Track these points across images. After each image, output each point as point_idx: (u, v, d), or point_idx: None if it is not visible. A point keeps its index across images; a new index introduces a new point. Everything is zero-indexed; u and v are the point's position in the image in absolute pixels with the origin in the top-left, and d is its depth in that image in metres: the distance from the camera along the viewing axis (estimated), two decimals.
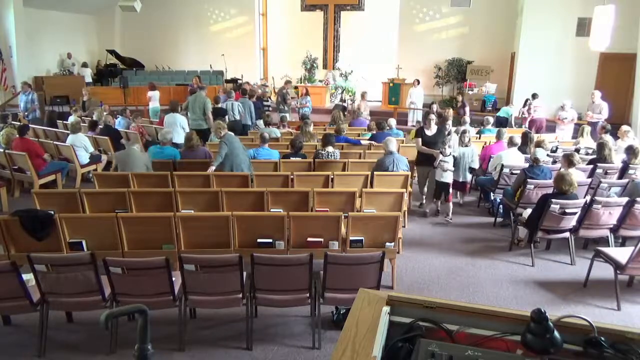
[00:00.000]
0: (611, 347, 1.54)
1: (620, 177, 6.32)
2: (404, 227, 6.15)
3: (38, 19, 14.89)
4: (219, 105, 10.05)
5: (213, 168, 6.25)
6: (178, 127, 8.85)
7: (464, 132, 7.28)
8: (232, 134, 6.80)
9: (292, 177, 6.11)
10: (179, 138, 8.49)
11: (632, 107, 12.09)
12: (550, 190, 5.40)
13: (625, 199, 5.20)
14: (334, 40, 17.81)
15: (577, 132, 9.10)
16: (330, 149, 6.79)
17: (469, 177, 7.26)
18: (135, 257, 4.02)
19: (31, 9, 14.26)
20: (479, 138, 9.03)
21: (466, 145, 7.18)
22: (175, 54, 18.51)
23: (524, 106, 11.60)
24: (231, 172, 6.24)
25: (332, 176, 6.14)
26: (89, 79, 16.54)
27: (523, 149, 7.17)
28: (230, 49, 17.36)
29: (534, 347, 1.51)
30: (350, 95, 15.86)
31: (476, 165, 7.26)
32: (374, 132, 8.76)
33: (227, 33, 18.29)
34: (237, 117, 10.05)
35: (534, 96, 11.55)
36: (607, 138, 7.35)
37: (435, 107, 10.82)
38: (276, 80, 17.16)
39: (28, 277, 3.68)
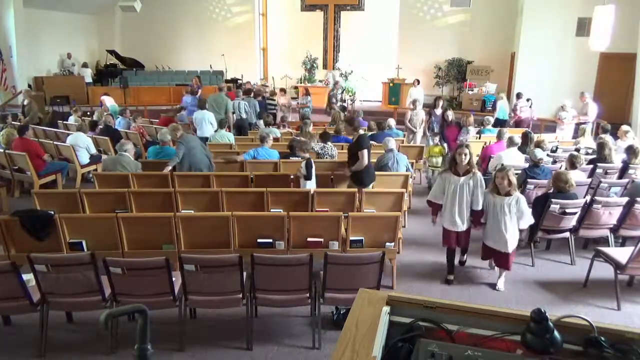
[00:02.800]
0: (611, 347, 1.54)
1: (620, 177, 6.32)
2: (404, 227, 6.14)
3: (38, 19, 14.88)
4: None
5: (169, 168, 6.21)
6: (206, 123, 9.36)
7: (502, 169, 4.50)
8: (191, 134, 6.90)
9: (292, 177, 6.11)
10: (208, 133, 9.15)
11: (632, 107, 12.07)
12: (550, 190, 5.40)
13: (625, 199, 5.21)
14: (334, 40, 17.80)
15: (577, 132, 9.12)
16: (328, 144, 7.01)
17: (512, 242, 4.52)
18: (135, 257, 4.02)
19: (31, 9, 14.25)
20: (479, 138, 9.02)
21: (507, 194, 4.45)
22: (175, 54, 18.50)
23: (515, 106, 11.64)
24: (189, 172, 6.26)
25: (332, 176, 6.14)
26: (89, 79, 16.53)
27: (523, 149, 7.16)
28: (230, 49, 17.34)
29: (534, 347, 1.51)
30: (350, 95, 15.86)
31: (524, 224, 4.57)
32: (374, 132, 8.77)
33: (227, 33, 18.28)
34: (244, 116, 10.42)
35: (518, 96, 11.72)
36: (607, 138, 7.35)
37: (450, 113, 8.71)
38: (276, 80, 17.17)
39: (28, 277, 3.68)
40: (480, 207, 4.61)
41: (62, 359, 3.68)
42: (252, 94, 11.21)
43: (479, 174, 4.63)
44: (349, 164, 5.75)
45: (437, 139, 8.30)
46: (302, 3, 17.72)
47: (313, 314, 3.98)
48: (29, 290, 3.61)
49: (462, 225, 4.68)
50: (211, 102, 9.77)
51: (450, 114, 8.38)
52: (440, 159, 8.10)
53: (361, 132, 5.84)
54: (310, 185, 5.65)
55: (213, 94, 10.45)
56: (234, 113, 10.19)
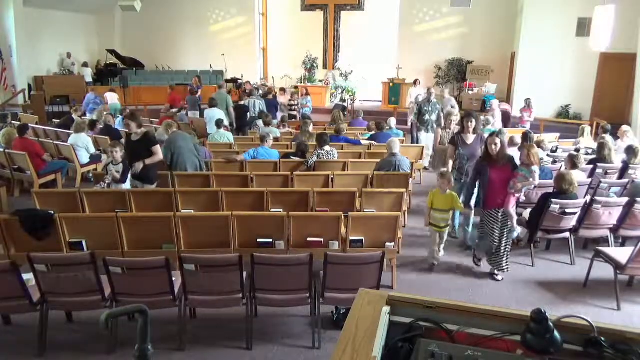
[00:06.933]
0: (611, 347, 1.54)
1: (620, 177, 6.31)
2: (404, 227, 6.14)
3: (38, 19, 14.87)
4: (242, 103, 10.65)
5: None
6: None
7: None
8: (182, 133, 6.79)
9: (292, 177, 6.11)
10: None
11: (632, 107, 12.08)
12: (550, 190, 5.40)
13: (625, 199, 5.20)
14: (334, 40, 17.81)
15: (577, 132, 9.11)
16: (327, 147, 6.78)
17: None
18: (135, 257, 4.02)
19: (31, 9, 14.25)
20: None
21: None
22: (175, 54, 18.51)
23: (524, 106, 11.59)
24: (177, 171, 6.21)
25: (332, 176, 6.14)
26: (89, 79, 16.54)
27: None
28: (230, 48, 17.36)
29: (534, 347, 1.51)
30: (350, 95, 15.87)
31: None
32: (374, 132, 8.76)
33: (227, 33, 18.29)
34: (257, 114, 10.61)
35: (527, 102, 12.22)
36: (607, 138, 7.35)
37: (499, 141, 4.66)
38: (276, 80, 17.17)
39: (28, 277, 3.67)
40: None
41: (62, 359, 3.68)
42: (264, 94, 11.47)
43: None
44: (133, 160, 5.66)
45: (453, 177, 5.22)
46: (302, 3, 17.72)
47: (313, 314, 3.98)
48: (29, 289, 3.61)
49: None
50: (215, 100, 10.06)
51: (498, 142, 4.64)
52: (448, 216, 5.06)
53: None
54: (126, 187, 5.65)
55: (215, 92, 10.72)
56: (247, 111, 10.41)
